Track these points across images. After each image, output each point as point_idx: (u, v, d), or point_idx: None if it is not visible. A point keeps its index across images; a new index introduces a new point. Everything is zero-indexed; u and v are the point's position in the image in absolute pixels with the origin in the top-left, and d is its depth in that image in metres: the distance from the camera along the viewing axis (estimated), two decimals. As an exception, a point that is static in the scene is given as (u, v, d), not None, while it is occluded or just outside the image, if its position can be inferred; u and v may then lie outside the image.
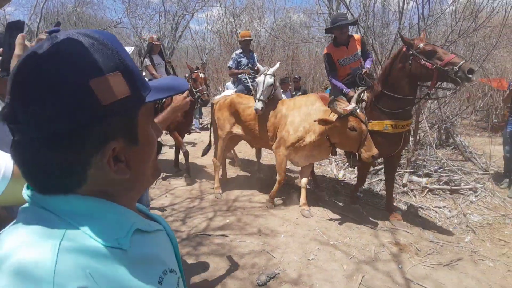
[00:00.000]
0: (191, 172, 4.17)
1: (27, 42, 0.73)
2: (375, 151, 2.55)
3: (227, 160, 4.62)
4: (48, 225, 0.36)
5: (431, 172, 4.06)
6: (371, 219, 3.09)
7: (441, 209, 3.31)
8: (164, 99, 3.67)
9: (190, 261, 2.40)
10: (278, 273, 2.26)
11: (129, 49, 1.46)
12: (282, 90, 4.09)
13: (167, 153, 5.18)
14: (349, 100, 2.80)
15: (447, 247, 2.62)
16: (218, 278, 2.21)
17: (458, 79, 2.37)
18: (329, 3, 8.15)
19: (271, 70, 3.18)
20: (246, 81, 4.24)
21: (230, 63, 4.30)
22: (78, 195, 0.39)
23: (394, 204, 3.30)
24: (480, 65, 4.84)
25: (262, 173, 4.29)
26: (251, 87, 4.09)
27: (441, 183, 3.81)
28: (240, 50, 4.33)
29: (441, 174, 3.99)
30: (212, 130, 3.93)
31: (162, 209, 3.33)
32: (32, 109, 0.35)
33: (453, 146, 5.29)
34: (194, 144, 6.02)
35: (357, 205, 3.31)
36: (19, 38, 0.72)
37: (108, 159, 0.39)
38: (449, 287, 2.15)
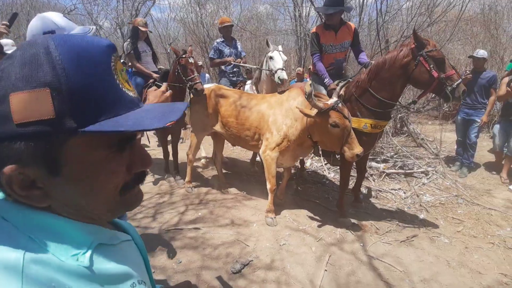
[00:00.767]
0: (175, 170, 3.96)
1: None
2: (359, 149, 2.30)
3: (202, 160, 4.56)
4: (9, 237, 0.35)
5: (388, 158, 4.40)
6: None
7: (396, 191, 3.63)
8: (145, 97, 3.30)
9: (163, 257, 2.38)
10: (252, 260, 2.34)
11: (89, 28, 1.39)
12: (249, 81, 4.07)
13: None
14: (329, 93, 2.65)
15: (403, 225, 2.89)
16: (192, 270, 2.23)
17: (451, 96, 2.31)
18: (294, -5, 8.26)
19: (280, 47, 3.36)
20: (232, 75, 4.00)
21: (211, 53, 3.99)
22: (36, 210, 0.39)
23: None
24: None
25: (257, 167, 4.23)
26: (236, 82, 3.95)
27: (396, 167, 4.16)
28: (221, 39, 3.99)
29: (396, 160, 4.34)
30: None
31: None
32: None
33: (406, 134, 5.74)
34: (182, 140, 5.70)
35: (348, 219, 2.88)
36: None
37: (11, 182, 0.36)
38: (407, 261, 2.38)
